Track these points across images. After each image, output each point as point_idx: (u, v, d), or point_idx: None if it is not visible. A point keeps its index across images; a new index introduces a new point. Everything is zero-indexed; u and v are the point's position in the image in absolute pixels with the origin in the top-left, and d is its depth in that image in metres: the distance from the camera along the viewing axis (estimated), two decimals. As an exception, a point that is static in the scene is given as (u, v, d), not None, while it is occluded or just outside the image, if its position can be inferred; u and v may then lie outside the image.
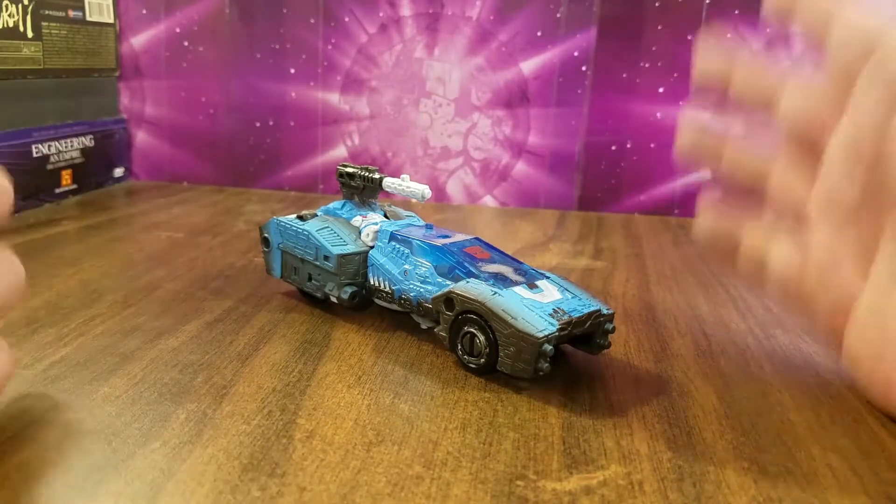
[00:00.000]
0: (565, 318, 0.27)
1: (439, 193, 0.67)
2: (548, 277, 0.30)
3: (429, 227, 0.34)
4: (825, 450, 0.24)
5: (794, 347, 0.34)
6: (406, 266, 0.31)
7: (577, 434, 0.25)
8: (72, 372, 0.27)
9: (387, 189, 0.34)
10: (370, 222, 0.34)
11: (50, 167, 0.57)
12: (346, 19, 0.65)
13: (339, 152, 0.68)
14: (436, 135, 0.66)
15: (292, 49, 0.66)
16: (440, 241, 0.32)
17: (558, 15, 0.63)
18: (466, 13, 0.64)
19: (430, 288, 0.30)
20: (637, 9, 0.62)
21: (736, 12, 0.60)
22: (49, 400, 0.25)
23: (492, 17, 0.63)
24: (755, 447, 0.24)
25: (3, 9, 0.52)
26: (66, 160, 0.59)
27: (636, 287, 0.43)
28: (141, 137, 0.69)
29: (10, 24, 0.53)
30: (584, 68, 0.63)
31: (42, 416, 0.24)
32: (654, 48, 0.62)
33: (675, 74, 0.62)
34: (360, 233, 0.34)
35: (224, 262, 0.43)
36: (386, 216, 0.36)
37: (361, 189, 0.36)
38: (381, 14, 0.64)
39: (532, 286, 0.29)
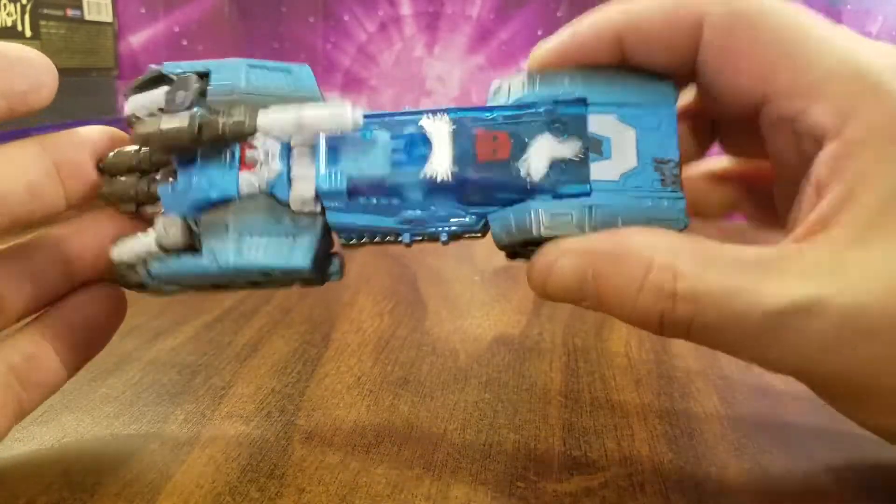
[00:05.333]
0: None
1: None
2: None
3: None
4: (827, 450, 0.24)
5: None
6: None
7: (577, 435, 0.24)
8: (70, 372, 0.27)
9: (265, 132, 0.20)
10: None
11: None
12: (346, 18, 0.65)
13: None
14: (436, 134, 0.66)
15: (291, 48, 0.66)
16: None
17: (559, 14, 0.63)
18: (466, 12, 0.63)
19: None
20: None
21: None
22: (47, 401, 0.25)
23: (492, 16, 0.63)
24: (757, 448, 0.24)
25: (2, 8, 0.51)
26: (64, 159, 0.59)
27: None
28: (140, 137, 0.69)
29: (9, 24, 0.52)
30: (584, 67, 0.63)
31: (40, 416, 0.24)
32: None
33: (676, 73, 0.61)
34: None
35: (223, 262, 0.43)
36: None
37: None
38: (380, 13, 0.64)
39: None
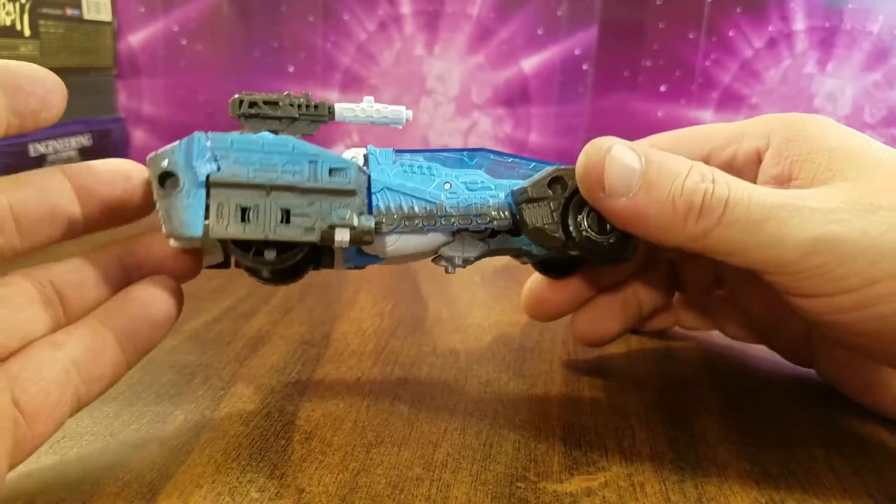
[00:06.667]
0: None
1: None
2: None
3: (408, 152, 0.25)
4: (828, 451, 0.24)
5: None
6: (444, 181, 0.24)
7: (578, 435, 0.24)
8: (69, 372, 0.27)
9: (345, 119, 0.24)
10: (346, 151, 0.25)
11: (47, 166, 0.57)
12: (346, 17, 0.65)
13: (339, 151, 0.67)
14: (436, 133, 0.66)
15: (291, 47, 0.66)
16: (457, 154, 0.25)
17: (559, 13, 0.63)
18: (467, 11, 0.63)
19: (490, 191, 0.24)
20: (639, 7, 0.62)
21: (738, 10, 0.60)
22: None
23: (492, 15, 0.63)
24: (757, 448, 0.24)
25: (1, 7, 0.51)
26: (63, 159, 0.59)
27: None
28: (139, 136, 0.69)
29: (8, 23, 0.52)
30: (585, 66, 0.63)
31: (39, 417, 0.24)
32: (655, 46, 0.61)
33: (677, 73, 0.61)
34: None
35: (223, 262, 0.43)
36: None
37: (292, 122, 0.23)
38: (380, 12, 0.64)
39: None
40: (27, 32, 0.54)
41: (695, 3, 0.60)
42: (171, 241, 0.22)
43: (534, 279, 0.30)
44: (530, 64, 0.63)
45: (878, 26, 0.60)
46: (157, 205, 0.21)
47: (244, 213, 0.22)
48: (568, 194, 0.24)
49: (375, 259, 0.24)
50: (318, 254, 0.24)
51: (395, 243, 0.24)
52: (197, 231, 0.21)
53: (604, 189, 0.22)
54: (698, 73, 0.61)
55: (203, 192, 0.21)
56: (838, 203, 0.21)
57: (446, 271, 0.25)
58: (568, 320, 0.30)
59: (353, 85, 0.66)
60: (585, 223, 0.24)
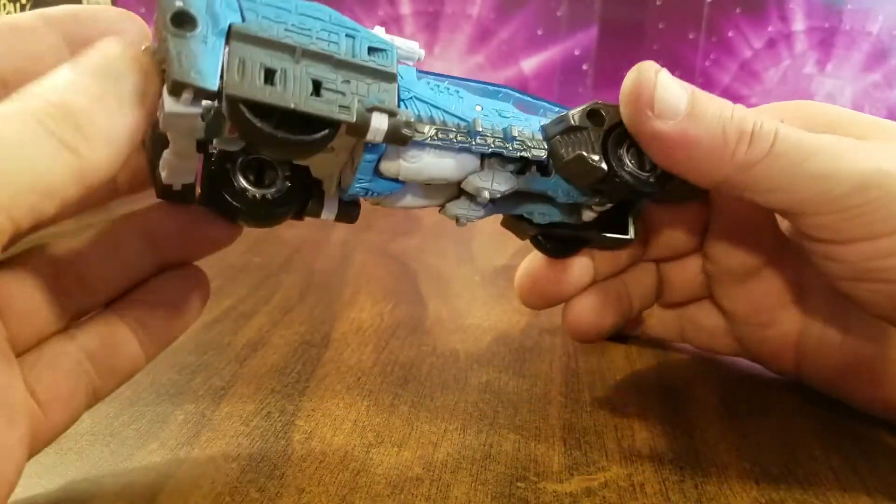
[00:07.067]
0: None
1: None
2: None
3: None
4: (827, 450, 0.24)
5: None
6: (475, 104, 0.22)
7: (577, 435, 0.24)
8: (69, 372, 0.27)
9: None
10: None
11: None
12: (346, 18, 0.65)
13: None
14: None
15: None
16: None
17: (559, 13, 0.63)
18: (467, 11, 0.63)
19: (522, 122, 0.23)
20: (639, 7, 0.62)
21: (738, 11, 0.60)
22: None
23: (492, 16, 0.63)
24: (757, 448, 0.24)
25: (2, 8, 0.51)
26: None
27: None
28: (140, 136, 0.69)
29: (8, 23, 0.52)
30: (585, 67, 0.63)
31: (39, 417, 0.24)
32: (655, 47, 0.61)
33: (677, 73, 0.61)
34: None
35: (222, 262, 0.43)
36: None
37: None
38: (380, 12, 0.64)
39: None
40: (27, 33, 0.54)
41: (695, 3, 0.60)
42: (169, 106, 0.17)
43: (530, 259, 0.28)
44: (530, 64, 0.64)
45: (878, 27, 0.60)
46: (165, 45, 0.17)
47: (269, 75, 0.17)
48: (607, 127, 0.22)
49: (385, 188, 0.21)
50: (307, 193, 0.22)
51: (417, 161, 0.21)
52: (212, 82, 0.17)
53: (653, 108, 0.21)
54: (698, 73, 0.61)
55: (222, 42, 0.17)
56: (886, 149, 0.21)
57: (458, 223, 0.23)
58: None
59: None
60: (626, 157, 0.23)
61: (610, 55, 0.62)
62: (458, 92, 0.22)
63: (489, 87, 0.23)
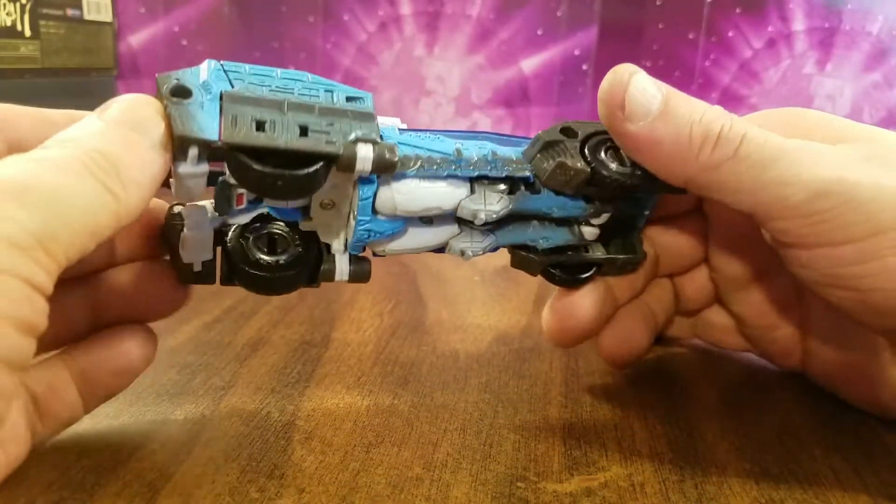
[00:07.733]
0: None
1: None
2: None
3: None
4: (827, 450, 0.24)
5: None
6: (455, 144, 0.23)
7: (577, 435, 0.24)
8: (69, 373, 0.27)
9: None
10: None
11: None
12: (346, 17, 0.65)
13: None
14: (435, 134, 0.66)
15: (291, 48, 0.66)
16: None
17: (559, 13, 0.63)
18: (466, 11, 0.63)
19: (500, 151, 0.24)
20: (638, 7, 0.62)
21: (737, 11, 0.60)
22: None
23: (492, 16, 0.63)
24: (757, 448, 0.24)
25: (1, 7, 0.51)
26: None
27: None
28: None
29: (8, 23, 0.52)
30: (585, 67, 0.63)
31: (39, 417, 0.24)
32: (655, 47, 0.61)
33: (677, 73, 0.61)
34: None
35: (223, 262, 0.43)
36: None
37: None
38: (380, 12, 0.64)
39: None
40: (28, 33, 0.54)
41: (694, 3, 0.60)
42: (181, 168, 0.19)
43: (551, 302, 0.28)
44: (530, 64, 0.64)
45: (878, 27, 0.60)
46: (167, 112, 0.19)
47: (260, 126, 0.20)
48: (583, 137, 0.24)
49: (386, 228, 0.23)
50: (318, 257, 0.23)
51: (410, 192, 0.22)
52: (211, 134, 0.19)
53: (623, 110, 0.21)
54: (698, 73, 0.61)
55: (217, 104, 0.20)
56: (852, 155, 0.21)
57: (463, 257, 0.25)
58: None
59: (354, 85, 0.66)
60: (606, 159, 0.23)
61: (610, 55, 0.62)
62: (438, 137, 0.23)
63: (468, 133, 0.25)
